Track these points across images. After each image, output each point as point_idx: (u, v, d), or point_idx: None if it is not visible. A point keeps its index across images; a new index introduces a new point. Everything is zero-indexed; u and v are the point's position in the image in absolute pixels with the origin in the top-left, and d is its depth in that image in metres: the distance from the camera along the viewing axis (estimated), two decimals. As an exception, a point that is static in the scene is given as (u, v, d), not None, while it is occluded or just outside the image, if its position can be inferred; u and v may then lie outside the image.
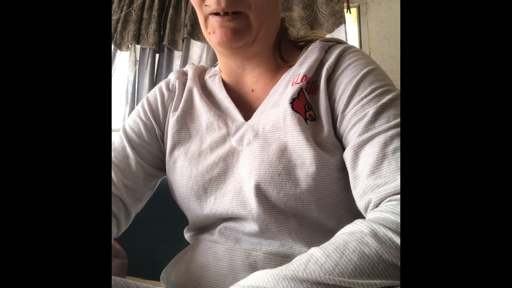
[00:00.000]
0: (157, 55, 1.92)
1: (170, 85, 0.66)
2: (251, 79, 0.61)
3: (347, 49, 0.55)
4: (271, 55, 0.59)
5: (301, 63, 0.56)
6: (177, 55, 1.91)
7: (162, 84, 0.67)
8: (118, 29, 1.93)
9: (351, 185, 0.48)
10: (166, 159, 0.60)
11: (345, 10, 1.85)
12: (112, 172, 0.58)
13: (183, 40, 1.87)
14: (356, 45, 1.90)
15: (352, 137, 0.48)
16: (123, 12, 1.94)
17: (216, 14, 0.52)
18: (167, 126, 0.62)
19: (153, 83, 1.88)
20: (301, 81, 0.53)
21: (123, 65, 1.98)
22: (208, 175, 0.55)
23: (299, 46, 0.61)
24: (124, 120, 1.86)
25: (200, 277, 0.52)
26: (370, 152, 0.45)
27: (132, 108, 1.87)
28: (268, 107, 0.55)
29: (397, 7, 1.87)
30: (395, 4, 1.90)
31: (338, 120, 0.51)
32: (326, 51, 0.56)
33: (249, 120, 0.57)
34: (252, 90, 0.61)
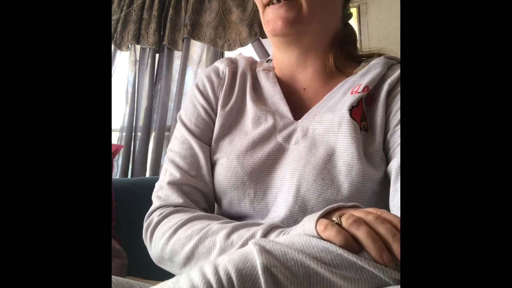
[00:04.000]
0: (157, 55, 1.92)
1: (220, 72, 0.66)
2: (304, 77, 0.62)
3: None
4: (325, 56, 0.61)
5: (362, 75, 0.57)
6: (177, 55, 1.90)
7: (209, 71, 0.67)
8: (118, 29, 1.93)
9: (390, 196, 0.48)
10: (212, 147, 0.60)
11: (345, 10, 1.84)
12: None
13: (183, 40, 1.86)
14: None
15: (400, 151, 0.49)
16: (123, 12, 1.93)
17: (272, 3, 0.56)
18: (217, 114, 0.62)
19: (153, 83, 1.88)
20: (363, 91, 0.55)
21: (123, 65, 1.97)
22: (249, 168, 0.54)
23: (358, 59, 0.63)
24: (124, 120, 1.86)
25: None
26: None
27: (132, 108, 1.86)
28: (323, 111, 0.56)
29: (397, 7, 1.87)
30: (395, 4, 1.90)
31: (389, 134, 0.53)
32: (389, 68, 0.58)
33: (300, 120, 0.57)
34: (304, 88, 0.62)
